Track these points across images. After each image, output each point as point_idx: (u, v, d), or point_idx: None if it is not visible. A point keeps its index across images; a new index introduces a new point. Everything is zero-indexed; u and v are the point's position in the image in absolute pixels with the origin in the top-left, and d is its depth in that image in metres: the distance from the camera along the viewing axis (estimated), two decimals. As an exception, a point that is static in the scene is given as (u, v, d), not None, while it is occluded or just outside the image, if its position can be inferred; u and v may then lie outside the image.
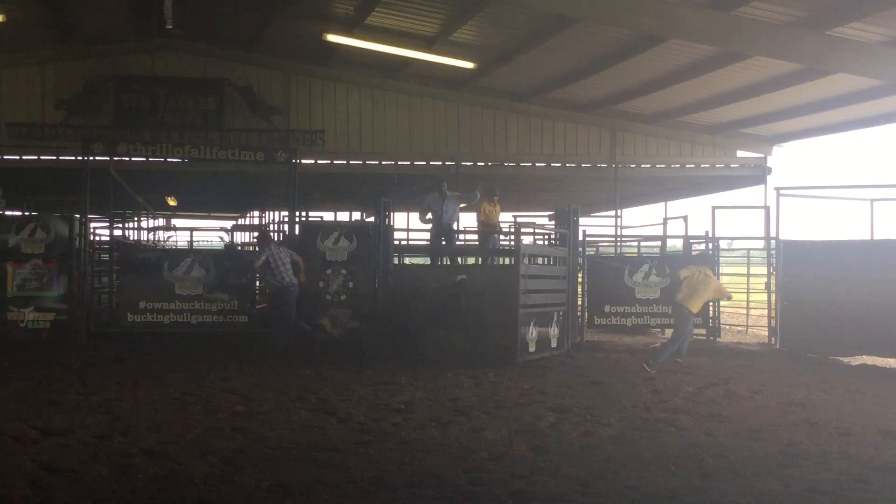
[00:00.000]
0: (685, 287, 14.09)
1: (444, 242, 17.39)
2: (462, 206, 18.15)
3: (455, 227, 17.92)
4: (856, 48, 14.88)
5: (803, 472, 7.56)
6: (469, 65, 19.85)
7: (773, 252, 17.92)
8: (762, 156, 24.01)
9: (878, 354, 15.27)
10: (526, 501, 6.59)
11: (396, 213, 19.44)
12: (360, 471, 7.38)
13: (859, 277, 15.05)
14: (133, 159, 19.79)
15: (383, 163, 22.77)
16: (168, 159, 20.47)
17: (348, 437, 8.82)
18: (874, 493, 7.02)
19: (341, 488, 6.87)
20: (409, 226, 24.73)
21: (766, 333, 17.95)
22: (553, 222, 19.88)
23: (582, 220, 18.07)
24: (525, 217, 26.49)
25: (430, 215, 17.22)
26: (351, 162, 22.66)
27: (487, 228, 17.58)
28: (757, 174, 23.87)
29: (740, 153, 24.16)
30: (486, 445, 8.48)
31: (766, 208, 18.28)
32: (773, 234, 17.63)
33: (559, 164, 23.34)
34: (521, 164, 23.23)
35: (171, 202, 29.59)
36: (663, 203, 28.51)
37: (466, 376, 12.80)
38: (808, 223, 21.33)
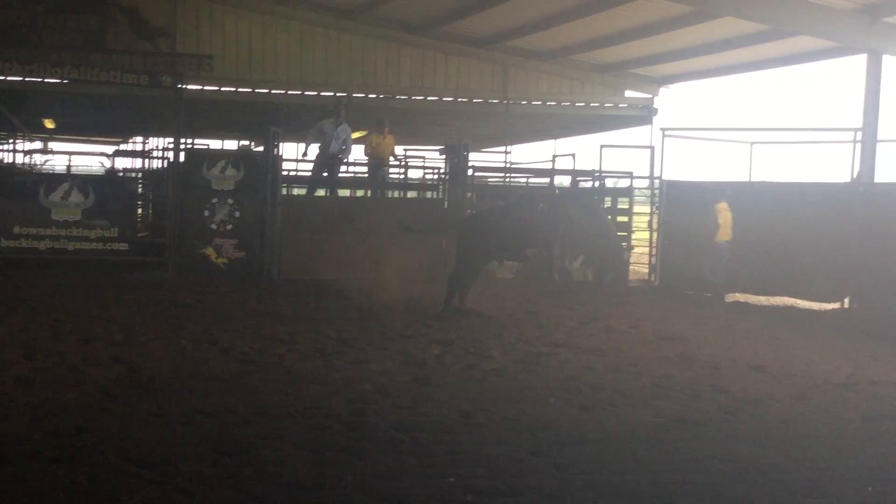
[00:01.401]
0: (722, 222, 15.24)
1: (326, 173, 17.25)
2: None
3: (347, 158, 17.80)
4: (743, -7, 15.18)
5: (675, 404, 7.85)
6: (362, -7, 19.55)
7: (656, 191, 18.32)
8: (650, 96, 24.36)
9: (750, 292, 15.84)
10: (408, 431, 6.66)
11: (286, 144, 19.13)
12: (242, 401, 7.35)
13: (736, 218, 15.51)
14: (8, 78, 18.94)
15: (273, 91, 22.29)
16: (46, 79, 19.62)
17: (231, 367, 8.77)
18: (741, 423, 7.33)
19: (221, 417, 6.83)
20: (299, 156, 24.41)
21: (647, 271, 18.40)
22: (444, 156, 19.89)
23: (472, 156, 18.12)
24: (416, 150, 26.36)
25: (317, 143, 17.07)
26: (239, 90, 22.11)
27: (376, 161, 17.50)
28: (644, 114, 24.21)
29: (629, 93, 24.46)
30: (370, 377, 8.54)
31: (652, 148, 18.63)
32: (657, 173, 18.01)
33: (451, 99, 23.23)
34: (414, 98, 23.05)
35: (49, 125, 28.46)
36: (553, 140, 28.76)
37: (354, 309, 12.83)
38: (692, 164, 21.90)
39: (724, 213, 15.45)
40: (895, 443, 6.91)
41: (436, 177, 19.42)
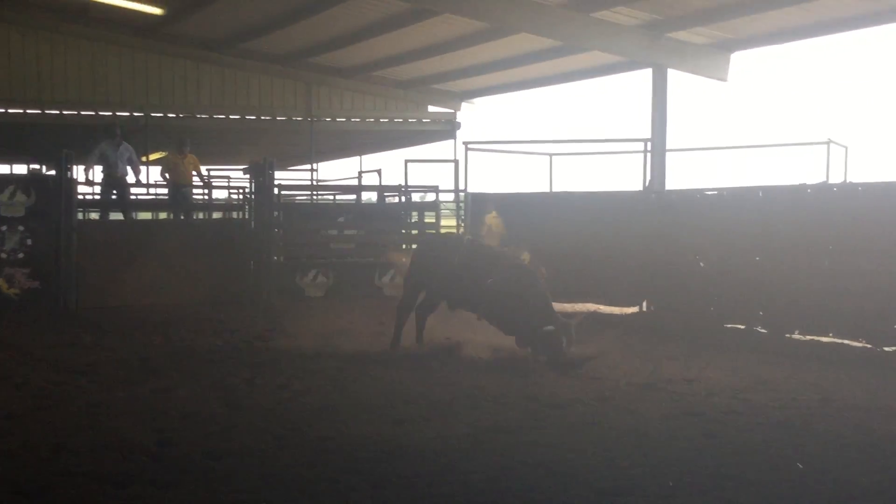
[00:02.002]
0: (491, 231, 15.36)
1: (114, 196, 16.69)
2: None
3: (135, 179, 17.29)
4: (535, 9, 15.67)
5: (486, 413, 7.97)
6: (156, 10, 19.01)
7: (462, 204, 18.61)
8: (452, 111, 24.85)
9: (554, 299, 16.24)
10: (218, 459, 6.47)
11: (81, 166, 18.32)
12: (40, 438, 6.96)
13: (539, 228, 15.93)
14: None
15: (64, 112, 21.36)
16: None
17: (26, 402, 8.29)
18: (549, 427, 7.51)
19: (19, 456, 6.45)
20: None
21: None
22: (248, 175, 19.59)
23: (278, 174, 17.92)
24: (220, 170, 25.86)
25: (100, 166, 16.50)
26: (28, 111, 21.09)
27: (176, 182, 17.04)
28: (447, 129, 24.65)
29: (431, 108, 24.86)
30: (178, 405, 8.26)
31: (456, 162, 18.96)
32: (462, 187, 18.31)
33: (254, 117, 22.97)
34: (215, 117, 22.63)
35: None
36: (359, 157, 28.85)
37: (159, 335, 12.42)
38: (494, 176, 22.42)
39: (493, 221, 16.07)
40: (693, 438, 7.24)
41: (241, 197, 19.08)
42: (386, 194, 19.61)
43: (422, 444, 6.94)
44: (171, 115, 22.15)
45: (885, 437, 7.24)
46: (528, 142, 19.47)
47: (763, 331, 12.90)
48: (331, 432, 7.25)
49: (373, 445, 6.86)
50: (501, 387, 9.15)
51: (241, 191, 19.49)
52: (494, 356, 10.94)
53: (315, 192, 21.81)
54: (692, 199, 14.33)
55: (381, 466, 6.33)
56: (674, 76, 17.21)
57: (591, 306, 15.76)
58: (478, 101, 25.22)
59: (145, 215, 20.37)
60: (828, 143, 14.34)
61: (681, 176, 17.47)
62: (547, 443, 7.00)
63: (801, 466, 6.36)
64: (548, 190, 17.84)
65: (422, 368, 10.20)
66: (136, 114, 21.51)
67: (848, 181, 13.31)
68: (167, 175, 17.24)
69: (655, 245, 14.46)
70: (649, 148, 16.79)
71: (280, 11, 18.50)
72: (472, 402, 8.46)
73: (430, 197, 18.68)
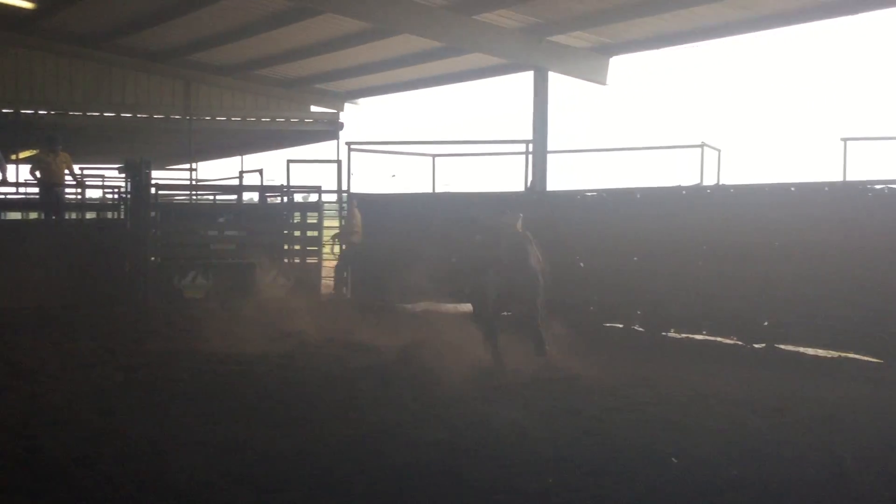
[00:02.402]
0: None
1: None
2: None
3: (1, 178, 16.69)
4: (418, 10, 15.69)
5: (370, 415, 7.90)
6: (28, 4, 18.33)
7: (345, 205, 18.50)
8: (335, 111, 24.68)
9: (438, 300, 16.34)
10: (90, 465, 6.26)
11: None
12: None
13: (421, 228, 15.95)
14: None
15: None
16: None
17: None
18: (433, 428, 7.46)
19: None
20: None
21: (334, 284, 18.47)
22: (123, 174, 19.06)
23: (156, 173, 17.51)
24: (94, 169, 25.06)
25: None
26: None
27: (47, 181, 16.46)
28: (331, 129, 24.46)
29: (314, 108, 24.65)
30: (48, 410, 7.96)
31: (339, 162, 18.84)
32: (345, 187, 18.20)
33: (130, 115, 22.35)
34: (89, 114, 21.94)
35: None
36: (240, 156, 28.39)
37: (30, 338, 11.96)
38: (378, 176, 22.40)
39: (358, 217, 16.66)
40: (573, 435, 7.33)
41: (116, 196, 18.56)
42: (268, 195, 19.36)
43: (302, 447, 6.83)
44: (42, 111, 21.38)
45: (755, 430, 7.48)
46: (411, 142, 19.57)
47: (641, 329, 13.21)
48: (208, 435, 7.10)
49: (250, 449, 6.74)
50: (384, 385, 9.10)
51: (116, 190, 18.98)
52: (368, 357, 10.88)
53: (194, 192, 21.38)
54: (572, 200, 14.57)
55: (257, 470, 6.22)
56: (556, 79, 17.47)
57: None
58: (362, 101, 25.12)
59: (15, 215, 19.58)
60: (702, 146, 14.74)
61: (562, 177, 17.74)
62: (431, 443, 6.96)
63: (675, 461, 6.50)
64: (431, 191, 17.88)
65: (307, 368, 10.08)
66: (4, 110, 20.70)
67: (720, 183, 13.72)
68: (38, 174, 16.63)
69: (539, 245, 14.61)
70: (531, 149, 16.99)
71: (157, 7, 18.04)
72: (353, 402, 8.39)
73: (314, 197, 18.52)
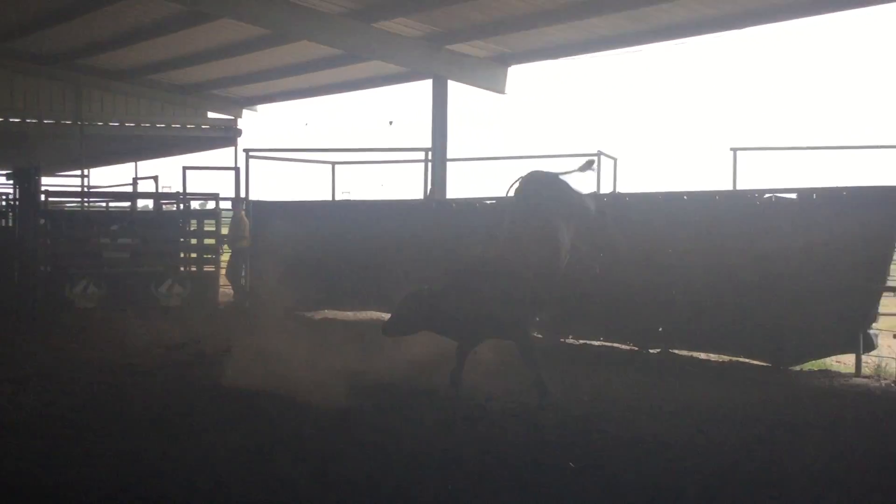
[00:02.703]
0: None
1: None
2: None
3: None
4: (317, 17, 15.59)
5: (267, 425, 7.81)
6: None
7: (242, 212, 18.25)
8: (233, 118, 24.36)
9: (338, 308, 16.27)
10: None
11: None
12: None
13: (322, 236, 15.86)
14: None
15: None
16: None
17: None
18: (333, 439, 7.43)
19: None
20: None
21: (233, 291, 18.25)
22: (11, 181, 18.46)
23: (46, 180, 17.02)
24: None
25: None
26: None
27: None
28: (228, 136, 24.12)
29: (211, 114, 24.28)
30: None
31: (237, 169, 18.57)
32: (244, 194, 17.96)
33: (18, 120, 21.68)
34: (-29, 119, 21.22)
35: None
36: (134, 163, 27.77)
37: None
38: (277, 184, 22.18)
39: (247, 222, 16.71)
40: (469, 443, 7.37)
41: (4, 204, 17.97)
42: (163, 202, 18.99)
43: (197, 458, 6.72)
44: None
45: (649, 433, 7.63)
46: (310, 150, 19.32)
47: (539, 336, 13.33)
48: (100, 448, 6.94)
49: (145, 461, 6.61)
50: (284, 396, 8.98)
51: (4, 197, 18.39)
52: (269, 364, 10.75)
53: (86, 199, 20.83)
54: (471, 208, 14.64)
55: (152, 483, 6.10)
56: (456, 88, 17.57)
57: (374, 314, 15.83)
58: (260, 108, 24.85)
59: None
60: (598, 154, 14.98)
61: (463, 185, 17.84)
62: (330, 455, 6.92)
63: (573, 465, 6.59)
64: (330, 198, 17.79)
65: (201, 378, 9.91)
66: None
67: (616, 191, 13.95)
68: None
69: (436, 253, 14.66)
70: (430, 157, 17.05)
71: (47, 9, 17.53)
72: (252, 411, 8.28)
73: (211, 205, 18.23)
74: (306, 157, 19.15)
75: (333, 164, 18.16)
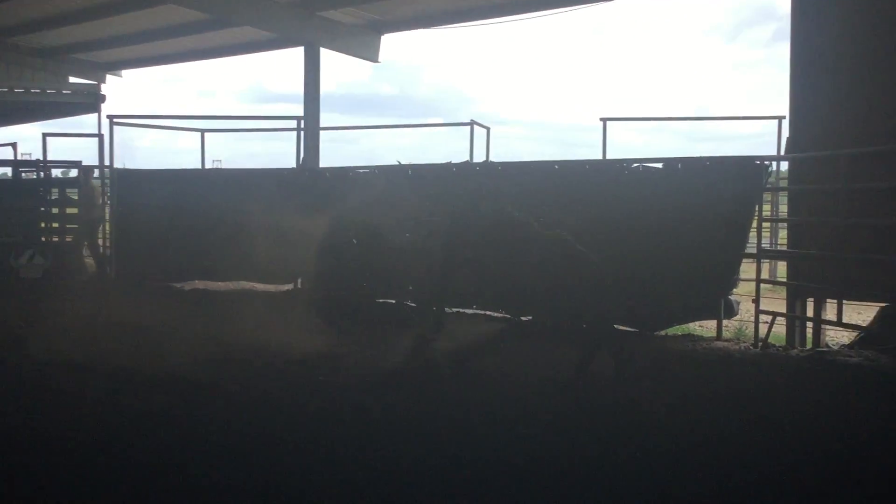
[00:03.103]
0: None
1: None
2: None
3: None
4: (183, -20, 15.18)
5: (135, 399, 7.64)
6: None
7: (108, 181, 17.70)
8: (96, 83, 23.48)
9: (208, 278, 15.97)
10: None
11: None
12: None
13: (190, 206, 15.51)
14: None
15: None
16: None
17: None
18: (206, 411, 7.33)
19: None
20: None
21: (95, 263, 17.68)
22: None
23: None
24: None
25: None
26: None
27: None
28: (90, 101, 23.21)
29: (73, 79, 23.37)
30: None
31: (101, 136, 17.94)
32: (108, 162, 17.39)
33: None
34: None
35: None
36: (-9, 129, 26.61)
37: None
38: (145, 152, 21.53)
39: (97, 188, 16.43)
40: (342, 412, 7.36)
41: None
42: (22, 170, 18.25)
43: (66, 431, 6.53)
44: None
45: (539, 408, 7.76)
46: (178, 117, 18.84)
47: (413, 305, 13.39)
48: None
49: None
50: (147, 365, 8.78)
51: None
52: (138, 336, 10.53)
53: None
54: (345, 178, 14.56)
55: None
56: (330, 56, 17.36)
57: (246, 284, 15.63)
58: (126, 73, 24.06)
59: None
60: (471, 123, 15.07)
61: (337, 154, 17.69)
62: (199, 427, 6.83)
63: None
64: (200, 167, 17.40)
65: (69, 350, 9.59)
66: None
67: (489, 160, 14.07)
68: None
69: (310, 223, 14.53)
70: (303, 126, 16.82)
71: None
72: (121, 385, 8.07)
73: (74, 173, 17.61)
74: (174, 123, 18.65)
75: (203, 131, 17.74)
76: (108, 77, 23.67)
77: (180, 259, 15.74)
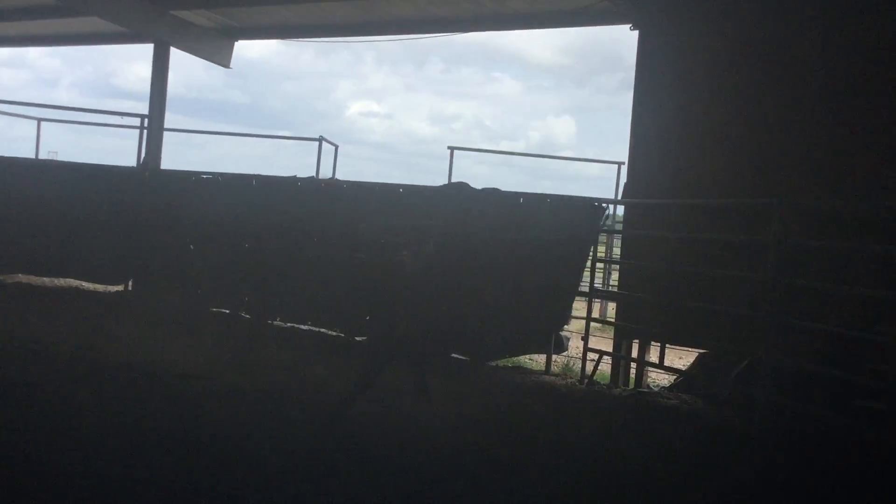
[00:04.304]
0: None
1: None
2: None
3: None
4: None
5: None
6: None
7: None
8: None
9: (34, 273, 15.31)
10: None
11: None
12: None
13: (21, 195, 14.84)
14: None
15: None
16: None
17: None
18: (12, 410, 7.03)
19: None
20: None
21: None
22: None
23: None
24: None
25: None
26: None
27: None
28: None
29: None
30: None
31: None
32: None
33: None
34: None
35: None
36: None
37: None
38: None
39: None
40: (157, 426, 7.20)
41: None
42: None
43: None
44: None
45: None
46: (15, 102, 18.01)
47: (247, 316, 13.20)
48: None
49: None
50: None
51: None
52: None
53: None
54: (187, 181, 14.23)
55: None
56: (182, 58, 16.96)
57: (74, 282, 15.09)
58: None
59: None
60: (320, 139, 15.02)
61: (181, 157, 17.26)
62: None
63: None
64: (34, 156, 16.67)
65: None
66: None
67: (335, 177, 14.04)
68: None
69: (146, 224, 14.16)
70: (147, 124, 16.35)
71: None
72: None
73: None
74: (8, 109, 17.81)
75: (40, 120, 17.03)
76: (-59, 54, 22.46)
77: (4, 249, 15.02)
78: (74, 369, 8.78)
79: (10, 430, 6.54)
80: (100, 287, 14.87)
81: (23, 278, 15.18)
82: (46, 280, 15.28)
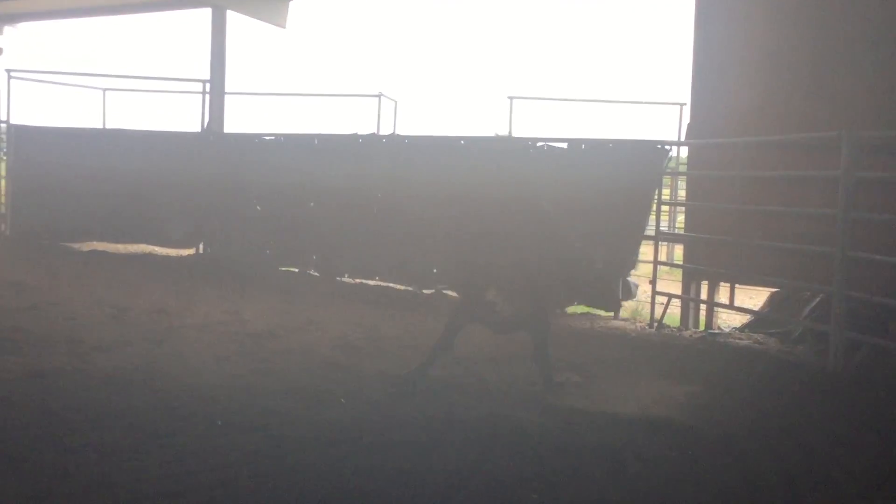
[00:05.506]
0: None
1: None
2: None
3: None
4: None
5: (29, 358, 7.49)
6: None
7: (3, 137, 17.17)
8: (-7, 36, 22.70)
9: (107, 240, 15.66)
10: None
11: None
12: None
13: (91, 165, 15.17)
14: None
15: None
16: None
17: None
18: (96, 372, 7.21)
19: None
20: None
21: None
22: None
23: None
24: None
25: None
26: None
27: None
28: (-13, 55, 22.45)
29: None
30: None
31: (-4, 90, 17.35)
32: (4, 117, 16.85)
33: None
34: None
35: None
36: None
37: None
38: (43, 108, 20.86)
39: None
40: (244, 376, 7.34)
41: None
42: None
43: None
44: None
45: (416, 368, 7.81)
46: (80, 74, 18.33)
47: (316, 274, 13.39)
48: None
49: None
50: (45, 327, 8.65)
51: None
52: (27, 296, 10.30)
53: None
54: (250, 143, 14.40)
55: None
56: (238, 20, 17.02)
57: (146, 248, 15.39)
58: (22, 26, 23.22)
59: None
60: (379, 96, 15.03)
61: (244, 119, 17.38)
62: (91, 387, 6.71)
63: (343, 401, 6.69)
64: (101, 126, 16.97)
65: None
66: None
67: (395, 133, 14.07)
68: None
69: (213, 188, 14.39)
70: (208, 89, 16.52)
71: None
72: (10, 345, 7.89)
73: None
74: (75, 81, 18.12)
75: (105, 90, 17.29)
76: (6, 29, 22.84)
77: (79, 219, 15.40)
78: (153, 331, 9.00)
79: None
80: (171, 251, 15.15)
81: (98, 245, 15.53)
82: (120, 246, 15.61)
